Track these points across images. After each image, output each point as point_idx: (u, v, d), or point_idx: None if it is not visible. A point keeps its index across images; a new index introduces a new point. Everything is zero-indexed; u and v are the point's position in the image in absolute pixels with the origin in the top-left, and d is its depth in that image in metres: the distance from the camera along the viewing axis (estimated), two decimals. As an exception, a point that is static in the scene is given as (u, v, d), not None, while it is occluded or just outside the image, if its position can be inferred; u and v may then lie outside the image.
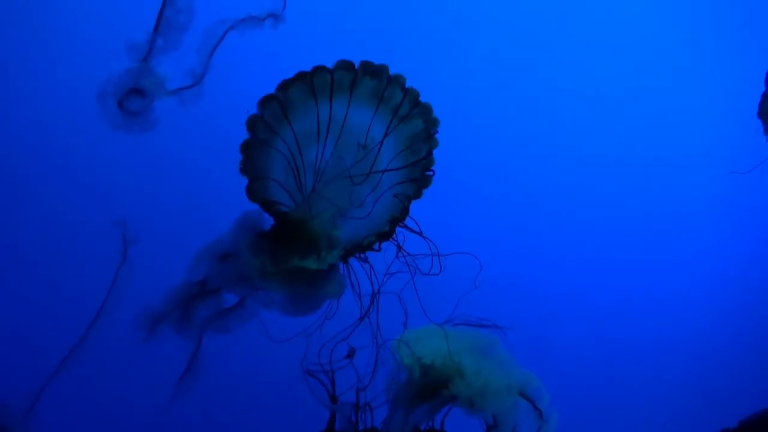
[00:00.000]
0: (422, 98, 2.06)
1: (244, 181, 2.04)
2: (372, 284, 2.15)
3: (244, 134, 2.01)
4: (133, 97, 2.08)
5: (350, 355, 2.18)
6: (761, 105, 2.52)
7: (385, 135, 2.07)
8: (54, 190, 3.29)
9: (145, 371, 2.90)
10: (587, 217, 4.07)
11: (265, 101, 1.99)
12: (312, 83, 1.99)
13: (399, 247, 2.13)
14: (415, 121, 2.07)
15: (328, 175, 2.08)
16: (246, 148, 2.01)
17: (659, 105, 4.12)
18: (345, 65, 2.00)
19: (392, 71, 2.04)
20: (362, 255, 2.15)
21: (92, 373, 2.58)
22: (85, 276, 2.87)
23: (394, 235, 2.13)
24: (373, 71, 2.01)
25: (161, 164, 3.26)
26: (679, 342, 4.11)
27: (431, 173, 2.10)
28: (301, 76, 1.99)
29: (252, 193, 2.04)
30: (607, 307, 4.06)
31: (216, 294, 2.14)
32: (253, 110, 2.00)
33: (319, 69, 1.99)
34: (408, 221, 2.13)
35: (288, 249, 2.04)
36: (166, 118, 2.10)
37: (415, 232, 2.13)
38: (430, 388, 2.23)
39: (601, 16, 4.05)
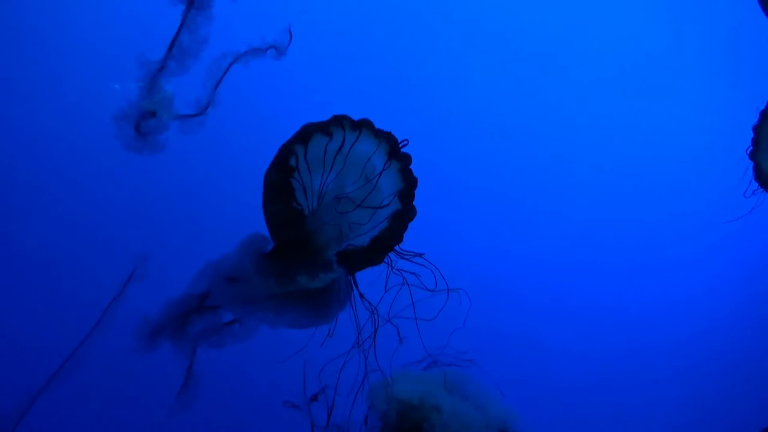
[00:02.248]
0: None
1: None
2: (372, 304, 2.18)
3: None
4: (144, 120, 2.16)
5: (315, 398, 2.22)
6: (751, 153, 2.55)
7: (384, 168, 2.16)
8: (57, 201, 3.32)
9: (142, 383, 2.93)
10: (584, 231, 4.06)
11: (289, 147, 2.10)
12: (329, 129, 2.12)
13: (390, 265, 2.17)
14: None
15: (330, 197, 2.15)
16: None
17: (652, 118, 4.14)
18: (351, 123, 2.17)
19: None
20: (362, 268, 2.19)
21: (86, 383, 2.60)
22: (84, 286, 2.91)
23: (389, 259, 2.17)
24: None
25: (170, 179, 3.28)
26: (678, 374, 4.07)
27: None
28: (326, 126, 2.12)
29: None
30: (605, 332, 4.04)
31: (215, 311, 2.18)
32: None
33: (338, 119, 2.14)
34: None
35: (291, 269, 2.10)
36: (172, 142, 2.17)
37: (417, 254, 2.18)
38: (408, 430, 2.22)
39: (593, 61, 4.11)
